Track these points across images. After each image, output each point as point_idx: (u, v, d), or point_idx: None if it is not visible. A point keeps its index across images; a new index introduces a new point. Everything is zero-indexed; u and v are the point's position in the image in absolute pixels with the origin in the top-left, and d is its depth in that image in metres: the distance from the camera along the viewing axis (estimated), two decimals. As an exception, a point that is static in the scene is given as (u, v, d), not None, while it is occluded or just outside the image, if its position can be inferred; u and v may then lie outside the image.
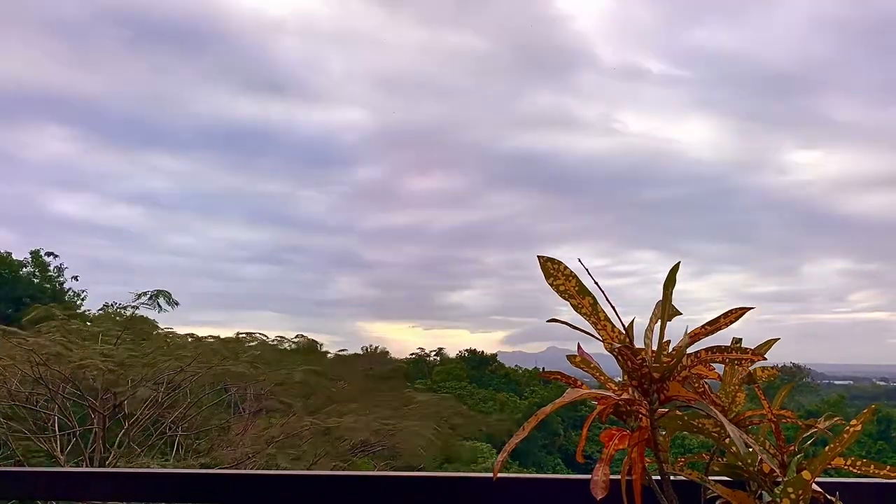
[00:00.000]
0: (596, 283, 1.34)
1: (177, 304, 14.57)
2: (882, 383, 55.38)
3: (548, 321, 1.34)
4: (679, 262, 1.33)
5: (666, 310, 1.33)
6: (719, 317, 1.33)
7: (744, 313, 1.33)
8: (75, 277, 25.56)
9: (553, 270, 1.36)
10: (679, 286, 1.33)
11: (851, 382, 54.25)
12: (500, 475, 1.40)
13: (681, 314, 1.40)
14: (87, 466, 9.32)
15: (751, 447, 1.27)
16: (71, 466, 9.59)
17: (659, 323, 1.33)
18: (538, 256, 1.36)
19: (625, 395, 1.30)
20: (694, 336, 1.31)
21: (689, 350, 1.27)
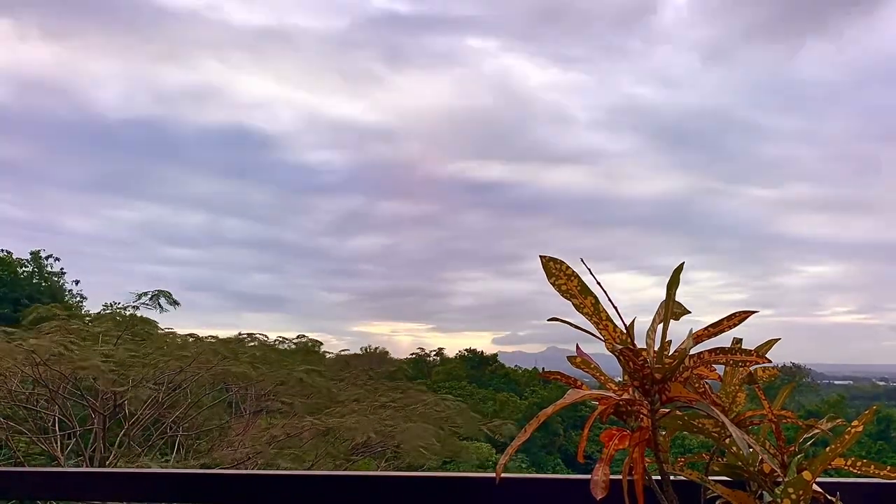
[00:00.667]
0: (598, 282, 1.34)
1: (177, 304, 14.58)
2: (882, 383, 55.31)
3: (549, 320, 1.34)
4: (683, 263, 1.33)
5: (669, 310, 1.33)
6: (722, 319, 1.34)
7: (747, 317, 1.34)
8: (76, 281, 25.62)
9: (555, 270, 1.36)
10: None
11: (851, 382, 54.21)
12: (500, 475, 1.40)
13: (689, 312, 1.41)
14: (87, 466, 9.32)
15: (752, 447, 1.27)
16: (71, 466, 9.59)
17: (661, 324, 1.33)
18: (540, 256, 1.36)
19: (626, 396, 1.30)
20: (697, 338, 1.31)
21: (691, 351, 1.27)
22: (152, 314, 13.78)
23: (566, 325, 1.34)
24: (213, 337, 12.00)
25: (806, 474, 1.20)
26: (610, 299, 1.33)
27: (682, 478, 1.43)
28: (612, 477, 1.28)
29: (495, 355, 38.84)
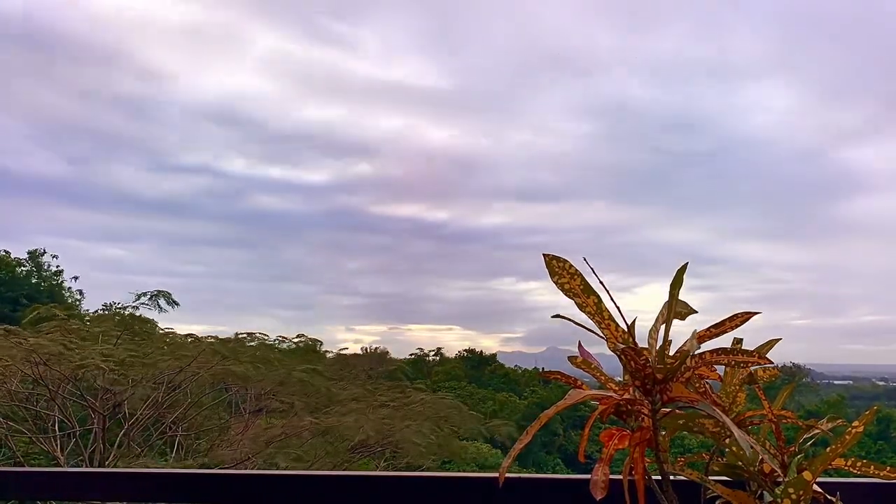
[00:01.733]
0: (601, 282, 1.34)
1: (177, 304, 14.57)
2: (882, 383, 55.32)
3: (553, 317, 1.34)
4: (686, 263, 1.33)
5: (672, 310, 1.33)
6: (725, 320, 1.34)
7: (749, 318, 1.34)
8: (75, 277, 25.59)
9: (558, 268, 1.36)
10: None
11: (851, 382, 54.22)
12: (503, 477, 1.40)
13: (695, 312, 1.41)
14: (86, 466, 9.32)
15: (752, 447, 1.27)
16: (71, 466, 9.59)
17: (664, 324, 1.33)
18: (543, 255, 1.36)
19: (626, 396, 1.30)
20: (699, 338, 1.31)
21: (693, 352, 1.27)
22: (152, 314, 13.80)
23: (566, 325, 1.34)
24: (212, 337, 12.00)
25: (806, 474, 1.20)
26: (612, 298, 1.33)
27: (683, 478, 1.43)
28: (612, 477, 1.28)
29: (494, 355, 38.88)
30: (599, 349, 1.39)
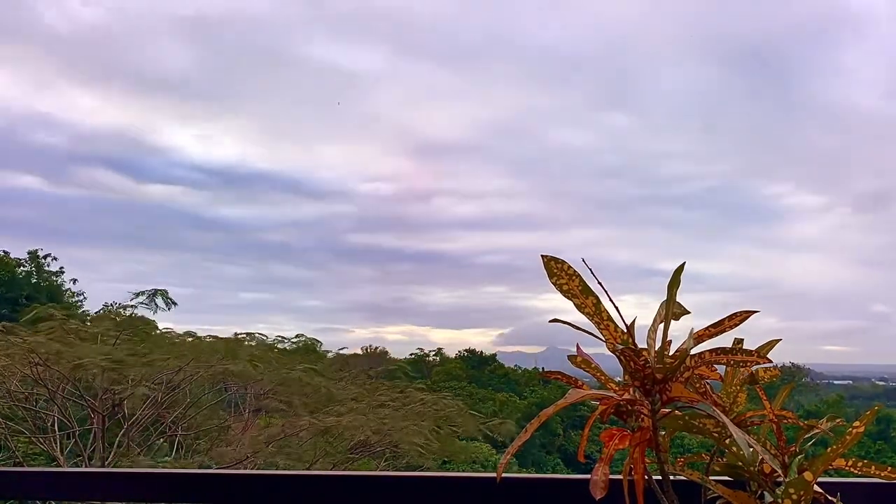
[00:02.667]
0: (600, 282, 1.34)
1: (174, 304, 14.58)
2: (881, 383, 55.34)
3: (550, 321, 1.34)
4: (684, 263, 1.33)
5: (670, 310, 1.33)
6: (723, 319, 1.34)
7: (748, 317, 1.34)
8: (74, 280, 25.58)
9: (556, 270, 1.36)
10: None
11: (850, 382, 54.25)
12: (500, 475, 1.40)
13: (689, 312, 1.41)
14: (86, 467, 9.31)
15: (752, 448, 1.27)
16: (70, 467, 9.58)
17: (662, 324, 1.33)
18: (542, 256, 1.36)
19: (626, 396, 1.30)
20: (697, 338, 1.31)
21: (692, 351, 1.27)
22: (150, 314, 13.81)
23: (566, 325, 1.33)
24: (211, 336, 12.01)
25: (807, 475, 1.20)
26: (611, 299, 1.33)
27: (683, 478, 1.43)
28: (612, 477, 1.28)
29: (494, 355, 38.87)
30: (599, 350, 1.39)
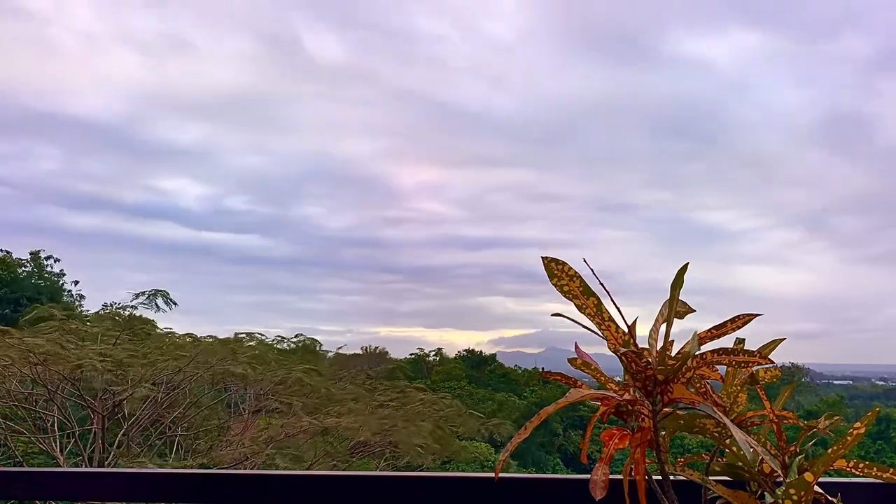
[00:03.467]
0: (601, 283, 1.33)
1: (175, 304, 14.55)
2: (881, 383, 55.35)
3: (553, 315, 1.34)
4: (687, 263, 1.33)
5: (672, 311, 1.32)
6: (726, 321, 1.34)
7: (750, 319, 1.34)
8: (76, 282, 25.58)
9: (557, 271, 1.36)
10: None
11: (850, 382, 54.24)
12: (500, 475, 1.40)
13: (694, 311, 1.40)
14: (86, 466, 9.31)
15: (753, 448, 1.26)
16: (70, 466, 9.58)
17: (664, 324, 1.33)
18: (542, 257, 1.36)
19: (627, 396, 1.30)
20: (700, 339, 1.31)
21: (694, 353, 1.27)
22: (150, 314, 13.79)
23: (566, 325, 1.33)
24: (211, 337, 12.00)
25: (808, 476, 1.20)
26: (613, 300, 1.33)
27: (683, 478, 1.43)
28: (612, 477, 1.28)
29: (494, 355, 38.86)
30: (598, 349, 1.39)
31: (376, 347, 31.64)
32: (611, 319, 1.33)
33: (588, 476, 1.28)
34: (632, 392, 1.31)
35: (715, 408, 1.28)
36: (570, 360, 1.39)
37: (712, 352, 1.26)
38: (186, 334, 12.11)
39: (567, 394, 1.29)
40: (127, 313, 13.55)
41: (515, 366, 39.24)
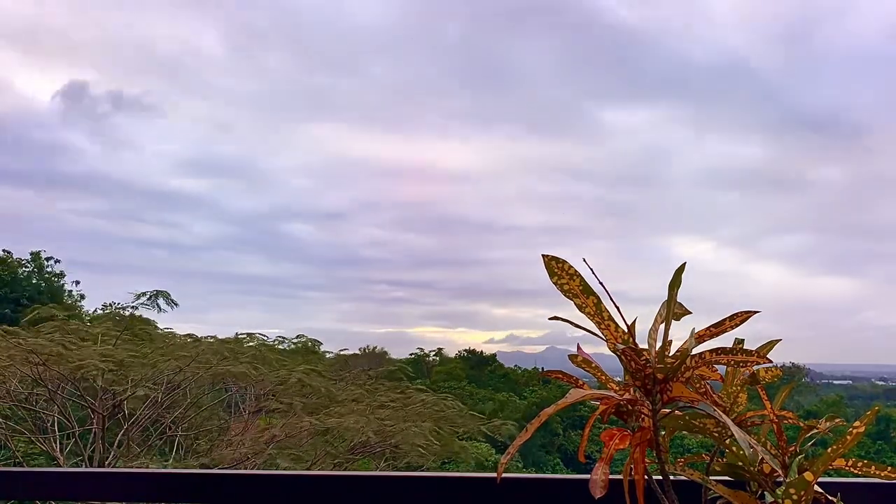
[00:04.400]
0: (601, 282, 1.33)
1: (176, 304, 14.55)
2: (881, 383, 55.36)
3: (550, 318, 1.34)
4: (685, 263, 1.33)
5: (671, 310, 1.33)
6: (724, 319, 1.34)
7: (749, 317, 1.34)
8: (76, 282, 25.58)
9: (557, 269, 1.36)
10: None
11: (850, 382, 54.25)
12: (501, 475, 1.40)
13: (690, 313, 1.40)
14: (86, 467, 9.31)
15: (753, 448, 1.27)
16: (70, 467, 9.58)
17: (663, 324, 1.33)
18: (542, 255, 1.36)
19: (627, 396, 1.30)
20: (699, 338, 1.31)
21: (692, 351, 1.27)
22: (150, 314, 13.79)
23: (566, 325, 1.33)
24: (212, 337, 12.01)
25: (808, 475, 1.20)
26: (612, 299, 1.33)
27: (683, 478, 1.43)
28: (612, 477, 1.28)
29: (494, 355, 38.88)
30: (598, 349, 1.39)
31: (376, 347, 31.64)
32: (610, 319, 1.33)
33: (588, 476, 1.28)
34: (632, 392, 1.31)
35: (715, 407, 1.28)
36: (570, 357, 1.39)
37: (711, 351, 1.26)
38: (187, 335, 12.13)
39: (567, 394, 1.29)
40: (127, 314, 13.56)
41: (515, 366, 39.26)
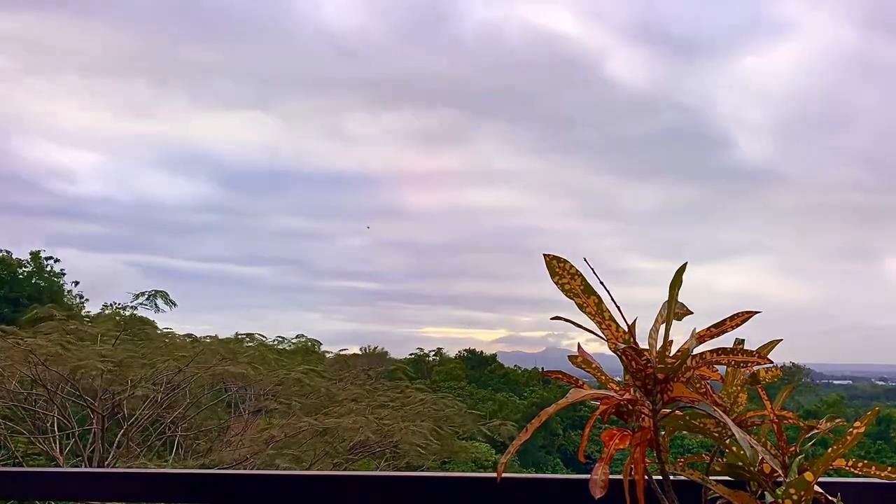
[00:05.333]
0: (601, 282, 1.33)
1: (174, 304, 14.57)
2: (881, 383, 55.41)
3: (552, 318, 1.34)
4: (686, 263, 1.33)
5: (671, 310, 1.32)
6: (725, 320, 1.34)
7: (749, 317, 1.34)
8: (76, 282, 25.58)
9: (558, 269, 1.36)
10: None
11: (850, 382, 54.28)
12: (501, 475, 1.40)
13: (692, 313, 1.40)
14: (85, 467, 9.31)
15: (753, 448, 1.27)
16: (70, 467, 9.58)
17: (664, 324, 1.33)
18: (544, 255, 1.36)
19: (627, 396, 1.30)
20: (699, 338, 1.31)
21: (693, 351, 1.27)
22: (150, 314, 13.80)
23: (566, 325, 1.33)
24: (211, 337, 12.01)
25: (808, 475, 1.20)
26: (613, 299, 1.33)
27: (683, 478, 1.43)
28: (612, 477, 1.28)
29: (494, 355, 38.88)
30: (599, 349, 1.39)
31: (376, 347, 31.63)
32: (611, 318, 1.33)
33: (588, 476, 1.28)
34: (632, 392, 1.31)
35: (715, 407, 1.28)
36: (570, 358, 1.39)
37: (711, 351, 1.26)
38: (186, 335, 12.14)
39: (568, 394, 1.29)
40: (127, 313, 13.57)
41: (515, 366, 39.25)
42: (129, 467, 8.98)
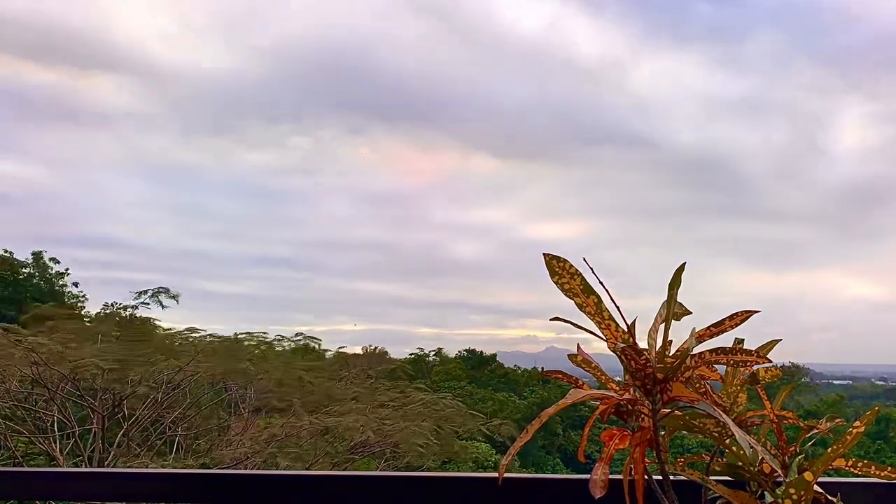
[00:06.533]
0: (601, 282, 1.33)
1: (178, 296, 14.53)
2: (881, 383, 55.36)
3: (551, 319, 1.34)
4: (685, 263, 1.33)
5: (671, 310, 1.32)
6: (724, 319, 1.34)
7: (749, 316, 1.34)
8: (76, 283, 25.59)
9: (558, 269, 1.36)
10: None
11: (850, 382, 54.23)
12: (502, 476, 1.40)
13: (690, 313, 1.40)
14: (86, 467, 9.31)
15: (753, 447, 1.27)
16: (70, 467, 9.58)
17: (664, 323, 1.33)
18: (543, 254, 1.36)
19: (627, 396, 1.30)
20: (699, 337, 1.31)
21: (692, 351, 1.27)
22: (152, 312, 13.80)
23: (566, 325, 1.33)
24: (211, 336, 12.00)
25: (808, 475, 1.20)
26: (612, 299, 1.33)
27: (683, 478, 1.43)
28: (612, 477, 1.28)
29: (494, 355, 38.85)
30: (599, 349, 1.39)
31: (376, 347, 31.62)
32: (610, 318, 1.33)
33: (588, 476, 1.28)
34: (632, 391, 1.31)
35: (715, 407, 1.28)
36: (570, 357, 1.39)
37: (711, 351, 1.26)
38: (188, 328, 12.11)
39: (568, 394, 1.29)
40: (128, 313, 13.57)
41: (515, 366, 39.23)
42: (129, 467, 8.98)
